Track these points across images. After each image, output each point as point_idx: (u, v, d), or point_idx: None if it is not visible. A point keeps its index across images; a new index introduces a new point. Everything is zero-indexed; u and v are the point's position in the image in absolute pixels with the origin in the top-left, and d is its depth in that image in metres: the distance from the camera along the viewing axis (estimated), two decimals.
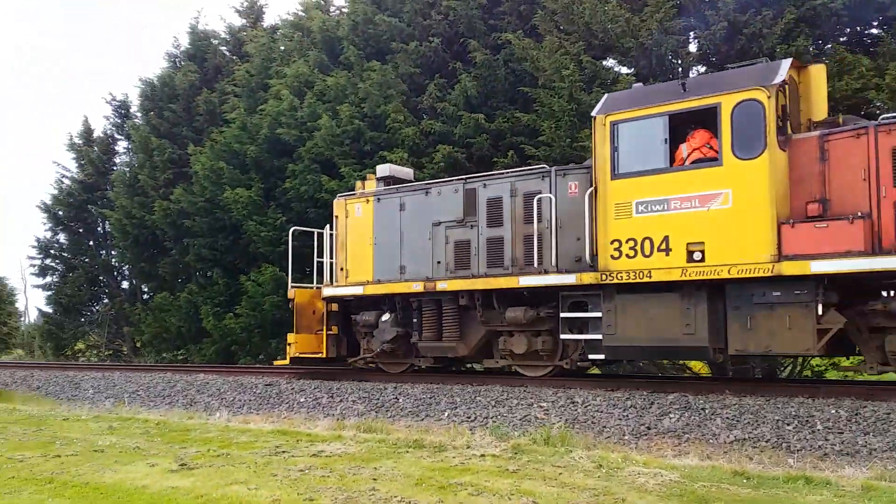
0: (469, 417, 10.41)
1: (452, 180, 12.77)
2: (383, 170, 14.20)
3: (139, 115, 28.86)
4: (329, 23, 22.01)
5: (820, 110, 10.36)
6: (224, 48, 27.54)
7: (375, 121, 19.12)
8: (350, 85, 19.79)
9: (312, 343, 13.97)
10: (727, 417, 9.00)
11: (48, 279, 30.91)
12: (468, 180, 12.45)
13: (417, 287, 12.39)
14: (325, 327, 13.87)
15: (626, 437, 9.11)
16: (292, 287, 14.19)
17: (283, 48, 23.85)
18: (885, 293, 9.07)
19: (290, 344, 13.94)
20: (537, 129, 16.49)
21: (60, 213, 30.20)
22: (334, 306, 13.93)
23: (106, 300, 30.45)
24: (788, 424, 8.60)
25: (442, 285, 12.12)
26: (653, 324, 10.00)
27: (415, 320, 12.72)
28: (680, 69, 16.70)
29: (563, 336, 11.18)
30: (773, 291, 9.32)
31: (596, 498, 6.03)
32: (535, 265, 11.21)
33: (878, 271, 8.72)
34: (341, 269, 13.81)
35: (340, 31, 21.31)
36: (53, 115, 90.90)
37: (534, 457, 7.60)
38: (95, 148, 30.42)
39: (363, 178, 14.70)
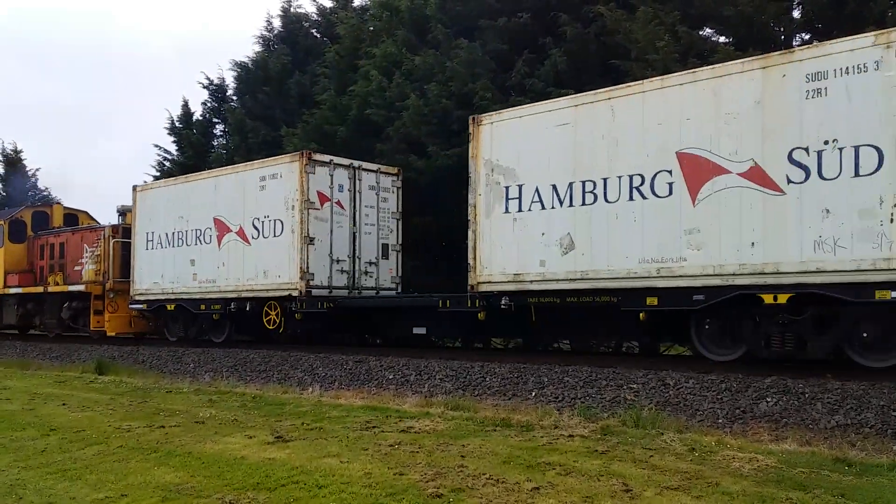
0: (557, 398, 10.34)
1: None
2: None
3: (234, 98, 29.72)
4: (417, 1, 22.03)
5: (58, 223, 22.15)
6: (315, 30, 27.95)
7: (463, 99, 19.03)
8: (438, 63, 19.77)
9: None
10: (828, 402, 8.64)
11: None
12: None
13: None
14: None
15: (720, 421, 8.87)
16: None
17: (371, 28, 24.04)
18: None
19: None
20: None
21: None
22: None
23: None
24: (895, 411, 8.19)
25: None
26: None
27: None
28: (782, 37, 15.96)
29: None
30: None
31: (688, 481, 5.91)
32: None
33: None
34: None
35: (428, 10, 21.29)
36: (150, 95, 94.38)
37: (623, 438, 7.50)
38: (195, 131, 31.51)
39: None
